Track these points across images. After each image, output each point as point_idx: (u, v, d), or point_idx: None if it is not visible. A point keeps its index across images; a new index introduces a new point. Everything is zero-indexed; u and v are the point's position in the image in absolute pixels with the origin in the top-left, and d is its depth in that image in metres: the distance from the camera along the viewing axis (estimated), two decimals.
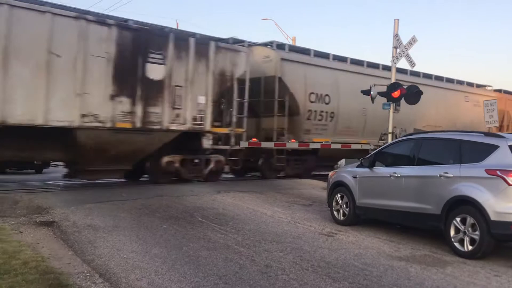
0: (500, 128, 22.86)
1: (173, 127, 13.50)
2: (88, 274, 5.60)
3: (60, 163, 16.38)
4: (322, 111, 17.14)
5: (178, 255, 6.50)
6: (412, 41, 13.37)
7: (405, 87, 13.46)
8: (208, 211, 9.75)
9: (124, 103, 12.47)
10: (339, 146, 17.30)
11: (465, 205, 6.83)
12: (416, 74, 20.46)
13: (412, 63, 13.61)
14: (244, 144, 15.07)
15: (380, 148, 9.28)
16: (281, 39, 38.97)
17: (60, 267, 5.79)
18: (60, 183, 14.40)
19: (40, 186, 13.37)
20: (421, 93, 13.58)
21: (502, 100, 23.57)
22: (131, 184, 13.75)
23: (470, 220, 6.69)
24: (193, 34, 14.17)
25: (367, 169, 8.74)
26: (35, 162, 17.86)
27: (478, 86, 24.69)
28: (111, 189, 12.55)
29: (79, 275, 5.55)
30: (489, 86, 25.46)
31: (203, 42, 14.12)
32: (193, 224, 8.46)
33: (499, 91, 25.14)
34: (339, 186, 9.27)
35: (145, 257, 6.36)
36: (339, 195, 9.19)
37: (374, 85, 13.92)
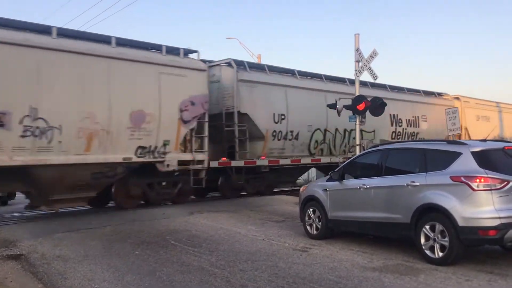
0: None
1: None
2: None
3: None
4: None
5: (152, 281, 6.39)
6: (373, 55, 13.73)
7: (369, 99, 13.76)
8: (181, 233, 9.64)
9: None
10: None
11: (433, 212, 6.96)
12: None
13: (374, 76, 13.94)
14: (214, 164, 14.96)
15: (348, 161, 9.41)
16: (247, 57, 39.32)
17: None
18: (27, 214, 13.98)
19: (6, 219, 12.96)
20: (385, 104, 13.89)
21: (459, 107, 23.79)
22: (99, 211, 13.49)
23: (439, 227, 6.82)
24: None
25: (337, 182, 8.83)
26: None
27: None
28: (79, 217, 12.27)
29: None
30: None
31: None
32: (166, 248, 8.34)
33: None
34: (310, 201, 9.33)
35: (117, 286, 6.22)
36: (311, 210, 9.24)
37: (340, 99, 14.17)
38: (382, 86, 20.58)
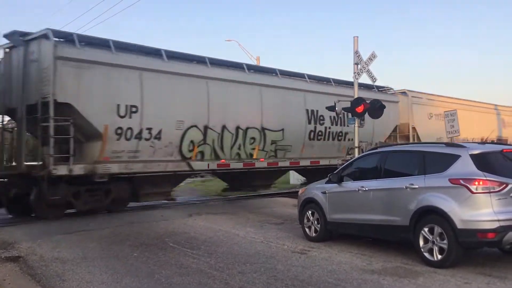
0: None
1: None
2: None
3: None
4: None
5: (150, 283, 6.38)
6: (372, 57, 13.72)
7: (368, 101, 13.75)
8: (179, 235, 9.63)
9: None
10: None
11: (432, 215, 6.97)
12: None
13: (373, 78, 13.95)
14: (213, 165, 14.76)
15: (347, 163, 9.41)
16: (246, 59, 39.28)
17: None
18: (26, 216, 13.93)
19: (4, 220, 12.93)
20: (383, 107, 13.89)
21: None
22: (99, 213, 13.45)
23: (437, 229, 6.83)
24: None
25: (335, 185, 8.84)
26: None
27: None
28: (78, 219, 12.25)
29: None
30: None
31: None
32: (165, 250, 8.33)
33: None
34: (309, 203, 9.33)
35: None
36: (310, 212, 9.24)
37: (338, 101, 14.18)
38: (300, 76, 17.82)
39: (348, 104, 13.77)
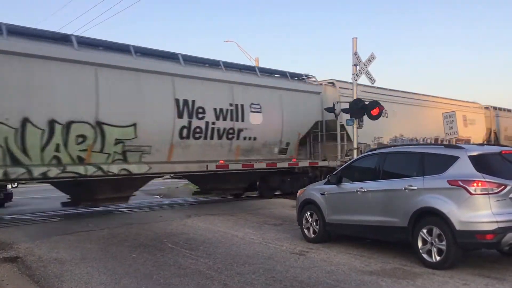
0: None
1: None
2: None
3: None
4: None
5: (149, 284, 6.37)
6: (371, 58, 13.76)
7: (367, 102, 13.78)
8: (178, 236, 9.63)
9: None
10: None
11: (430, 216, 6.97)
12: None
13: (371, 80, 13.98)
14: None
15: (346, 164, 9.42)
16: (245, 60, 39.21)
17: None
18: (25, 217, 13.95)
19: (3, 221, 12.93)
20: (380, 106, 13.91)
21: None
22: (96, 214, 13.46)
23: (436, 230, 6.83)
24: None
25: (334, 186, 8.84)
26: None
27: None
28: (76, 220, 12.24)
29: None
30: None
31: None
32: (163, 251, 8.32)
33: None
34: (308, 204, 9.32)
35: None
36: (308, 213, 9.24)
37: (338, 102, 14.19)
38: (169, 56, 13.74)
39: (252, 94, 13.24)
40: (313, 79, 17.98)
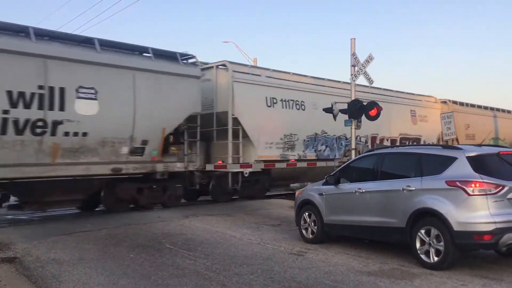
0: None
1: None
2: None
3: None
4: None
5: (147, 284, 6.36)
6: (369, 59, 13.76)
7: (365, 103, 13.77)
8: (176, 237, 9.62)
9: None
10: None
11: (428, 217, 6.98)
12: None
13: (370, 80, 13.98)
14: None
15: (344, 165, 9.43)
16: (244, 60, 39.13)
17: None
18: (22, 217, 13.91)
19: (0, 221, 12.89)
20: (378, 106, 13.88)
21: None
22: (95, 214, 13.44)
23: (434, 231, 6.84)
24: None
25: (332, 186, 8.84)
26: None
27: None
28: (74, 220, 12.22)
29: None
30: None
31: None
32: (162, 252, 8.32)
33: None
34: (306, 205, 9.33)
35: None
36: (306, 214, 9.24)
37: (336, 102, 14.17)
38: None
39: (81, 75, 11.09)
40: (194, 59, 14.40)
